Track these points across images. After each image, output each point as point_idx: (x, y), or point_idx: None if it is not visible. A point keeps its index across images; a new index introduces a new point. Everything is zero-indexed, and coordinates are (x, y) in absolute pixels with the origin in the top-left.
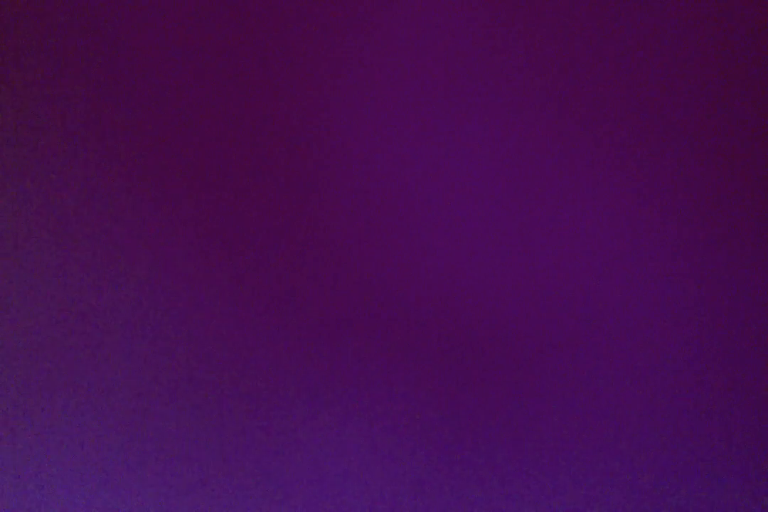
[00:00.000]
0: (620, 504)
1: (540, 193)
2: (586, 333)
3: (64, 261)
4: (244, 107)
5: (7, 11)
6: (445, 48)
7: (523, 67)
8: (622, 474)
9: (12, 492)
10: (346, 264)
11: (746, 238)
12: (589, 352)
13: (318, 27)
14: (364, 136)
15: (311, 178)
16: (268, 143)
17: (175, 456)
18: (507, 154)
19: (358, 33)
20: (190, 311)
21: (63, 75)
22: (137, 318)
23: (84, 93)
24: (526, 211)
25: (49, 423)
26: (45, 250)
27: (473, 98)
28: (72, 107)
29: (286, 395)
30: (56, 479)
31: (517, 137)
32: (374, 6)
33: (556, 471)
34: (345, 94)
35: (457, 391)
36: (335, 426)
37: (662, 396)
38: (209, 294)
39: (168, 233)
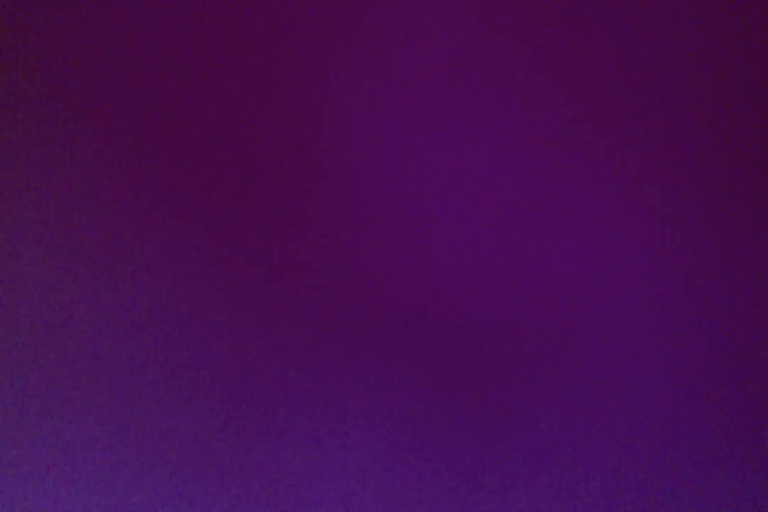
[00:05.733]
0: (621, 505)
1: (542, 194)
2: (588, 334)
3: (64, 263)
4: (245, 108)
5: (7, 11)
6: (448, 49)
7: (525, 67)
8: (623, 473)
9: (13, 492)
10: (348, 265)
11: (749, 241)
12: (591, 352)
13: (320, 27)
14: (367, 138)
15: (313, 179)
16: (269, 145)
17: (174, 456)
18: (509, 154)
19: (361, 33)
20: (190, 313)
21: (63, 75)
22: (137, 319)
23: (84, 94)
24: (528, 211)
25: (49, 424)
26: (45, 252)
27: (476, 99)
28: (73, 109)
29: (287, 395)
30: (56, 479)
31: (519, 138)
32: (377, 6)
33: (558, 471)
34: (347, 95)
35: (458, 392)
36: (336, 427)
37: (665, 397)
38: (209, 296)
39: (168, 234)
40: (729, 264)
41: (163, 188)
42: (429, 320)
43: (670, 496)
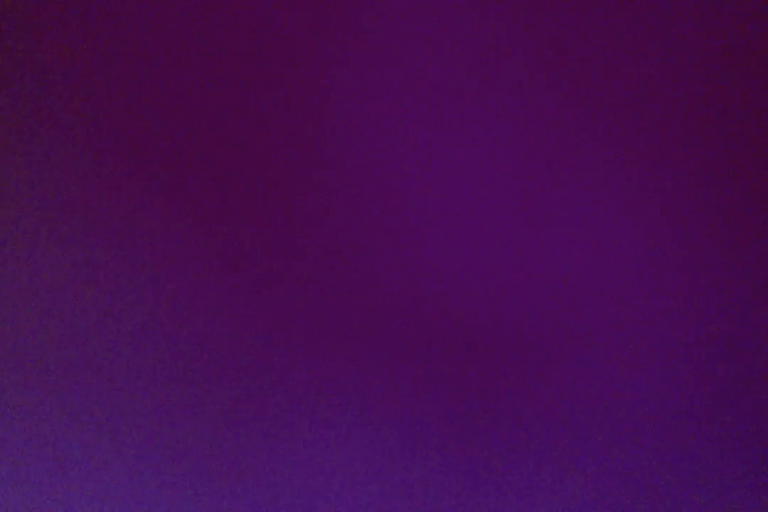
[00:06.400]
0: (621, 505)
1: (541, 194)
2: (588, 335)
3: (64, 263)
4: (246, 109)
5: (6, 11)
6: (447, 48)
7: (524, 67)
8: (623, 475)
9: (12, 493)
10: (347, 265)
11: (749, 241)
12: (592, 355)
13: (319, 27)
14: (365, 138)
15: (312, 179)
16: (270, 146)
17: (173, 456)
18: (508, 154)
19: (360, 33)
20: (190, 313)
21: (64, 75)
22: (137, 320)
23: (85, 93)
24: (527, 211)
25: (49, 424)
26: (44, 252)
27: (474, 99)
28: (74, 109)
29: (286, 396)
30: (55, 480)
31: (518, 137)
32: (377, 6)
33: (557, 472)
34: (346, 95)
35: (457, 393)
36: (334, 428)
37: (664, 399)
38: (209, 295)
39: (168, 234)
40: (730, 265)
41: (164, 189)
42: (428, 319)
43: (670, 497)
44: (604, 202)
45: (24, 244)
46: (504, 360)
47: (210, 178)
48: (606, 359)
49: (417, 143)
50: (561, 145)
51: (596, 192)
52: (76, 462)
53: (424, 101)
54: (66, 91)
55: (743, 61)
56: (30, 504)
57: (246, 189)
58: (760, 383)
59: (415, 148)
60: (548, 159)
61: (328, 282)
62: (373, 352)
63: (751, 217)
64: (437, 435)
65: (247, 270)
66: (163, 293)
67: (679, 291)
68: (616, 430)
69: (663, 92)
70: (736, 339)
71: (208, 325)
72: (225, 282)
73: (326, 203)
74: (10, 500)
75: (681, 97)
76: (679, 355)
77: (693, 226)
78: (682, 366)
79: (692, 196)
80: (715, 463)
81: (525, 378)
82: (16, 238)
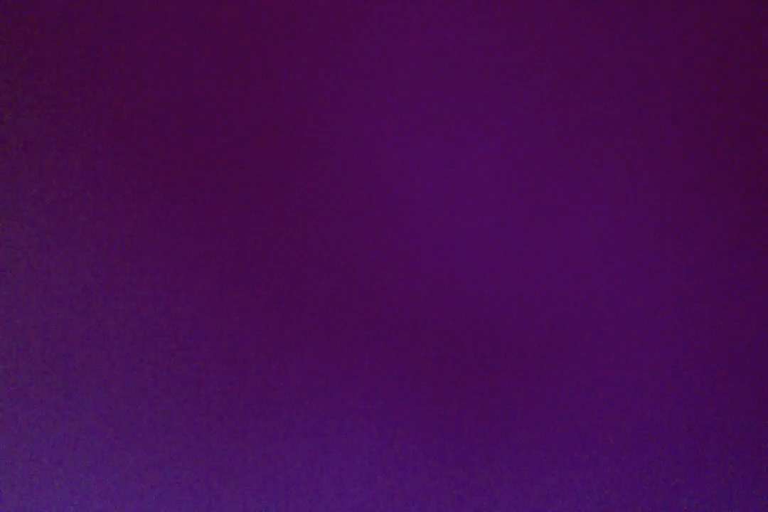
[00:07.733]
0: (620, 504)
1: (542, 196)
2: (588, 336)
3: (66, 262)
4: (247, 110)
5: (7, 11)
6: (448, 50)
7: (526, 69)
8: (622, 475)
9: (12, 492)
10: (349, 266)
11: (750, 244)
12: (590, 355)
13: (321, 27)
14: (367, 140)
15: (314, 181)
16: (272, 147)
17: (174, 456)
18: (509, 156)
19: (361, 33)
20: (192, 313)
21: (65, 75)
22: (139, 320)
23: (86, 93)
24: (527, 212)
25: (50, 423)
26: (47, 251)
27: (476, 100)
28: (76, 108)
29: (286, 395)
30: (56, 479)
31: (519, 139)
32: (379, 7)
33: (556, 472)
34: (347, 96)
35: (457, 393)
36: (335, 428)
37: (663, 400)
38: (211, 296)
39: (171, 235)
40: (730, 267)
41: (166, 190)
42: (429, 320)
43: (669, 497)
44: (605, 203)
45: (25, 244)
46: (506, 362)
47: (213, 180)
48: (606, 360)
49: (421, 146)
50: (563, 148)
51: (598, 193)
52: (76, 462)
53: (426, 102)
54: (66, 90)
55: (743, 63)
56: (31, 504)
57: (250, 191)
58: (760, 383)
59: (420, 150)
60: (551, 160)
61: (331, 283)
62: (376, 353)
63: (752, 218)
64: (439, 437)
65: (248, 271)
66: (165, 295)
67: (680, 292)
68: (615, 430)
69: (664, 95)
70: (736, 339)
71: (209, 325)
72: (227, 284)
73: (330, 205)
74: (11, 500)
75: (682, 100)
76: (679, 355)
77: (694, 227)
78: (683, 366)
79: (693, 198)
80: (714, 463)
81: (526, 380)
82: (17, 238)
